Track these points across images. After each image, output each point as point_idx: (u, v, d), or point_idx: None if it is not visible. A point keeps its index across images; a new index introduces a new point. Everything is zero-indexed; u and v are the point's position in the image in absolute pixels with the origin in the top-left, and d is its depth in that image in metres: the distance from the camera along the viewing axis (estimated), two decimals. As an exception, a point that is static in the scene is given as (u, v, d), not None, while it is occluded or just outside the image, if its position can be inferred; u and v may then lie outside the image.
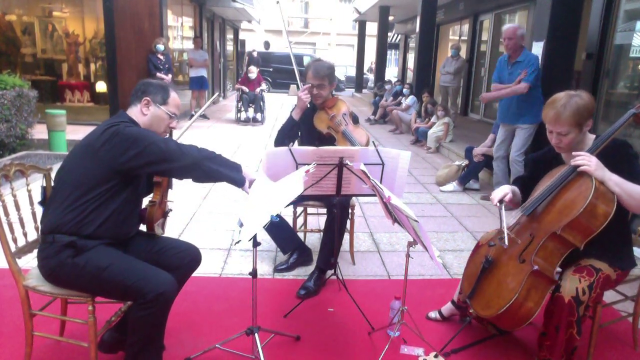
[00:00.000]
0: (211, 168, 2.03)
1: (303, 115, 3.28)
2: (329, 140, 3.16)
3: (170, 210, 2.42)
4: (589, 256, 2.18)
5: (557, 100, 2.15)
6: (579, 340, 2.05)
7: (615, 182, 2.03)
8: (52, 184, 2.08)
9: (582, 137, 2.19)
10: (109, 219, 1.98)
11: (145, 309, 1.87)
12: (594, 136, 2.23)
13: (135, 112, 2.11)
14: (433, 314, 2.73)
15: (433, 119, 8.43)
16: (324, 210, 3.14)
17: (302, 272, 3.26)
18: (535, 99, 4.60)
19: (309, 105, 3.23)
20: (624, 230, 2.22)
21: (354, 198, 3.52)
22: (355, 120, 3.27)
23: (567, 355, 2.09)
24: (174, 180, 2.43)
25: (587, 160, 2.06)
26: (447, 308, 2.70)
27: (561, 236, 2.09)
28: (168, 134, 2.20)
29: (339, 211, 2.86)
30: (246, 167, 2.18)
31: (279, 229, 3.23)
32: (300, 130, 3.26)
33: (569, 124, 2.11)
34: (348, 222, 3.43)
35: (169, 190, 2.38)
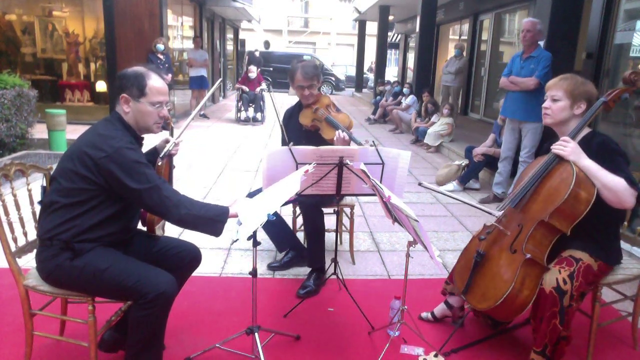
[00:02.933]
0: (189, 225, 1.98)
1: (291, 115, 3.34)
2: (314, 133, 3.17)
3: None
4: (569, 247, 2.22)
5: (562, 75, 2.32)
6: (563, 330, 2.07)
7: (590, 169, 2.09)
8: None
9: (571, 117, 2.25)
10: (107, 224, 1.96)
11: (146, 308, 1.87)
12: (588, 129, 2.28)
13: (120, 111, 2.01)
14: (425, 315, 2.73)
15: (433, 118, 8.42)
16: (324, 210, 3.13)
17: (302, 272, 3.26)
18: (539, 97, 4.55)
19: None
20: (610, 224, 2.25)
21: (354, 198, 3.52)
22: (337, 110, 3.29)
23: (552, 346, 2.10)
24: (174, 181, 2.42)
25: (562, 146, 2.16)
26: (440, 309, 2.69)
27: (549, 223, 2.14)
28: (162, 124, 2.09)
29: (309, 211, 2.89)
30: (233, 206, 2.04)
31: (275, 228, 3.24)
32: (288, 130, 3.27)
33: (563, 89, 2.24)
34: (348, 222, 3.43)
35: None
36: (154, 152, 2.27)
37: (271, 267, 3.28)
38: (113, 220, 1.98)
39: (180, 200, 1.92)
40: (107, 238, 1.98)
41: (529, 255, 2.13)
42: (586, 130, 2.27)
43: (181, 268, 2.17)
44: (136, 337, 1.93)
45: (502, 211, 2.44)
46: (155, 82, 2.00)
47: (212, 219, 1.96)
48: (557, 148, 2.18)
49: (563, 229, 2.15)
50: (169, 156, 2.26)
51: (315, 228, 3.02)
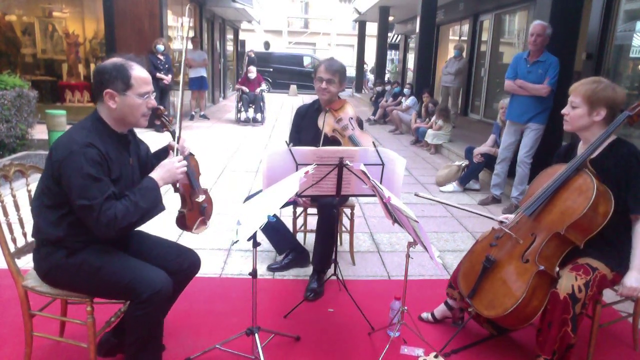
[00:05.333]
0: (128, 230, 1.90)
1: (306, 114, 3.25)
2: (332, 143, 3.11)
3: (205, 205, 2.27)
4: (586, 255, 2.19)
5: (587, 78, 2.24)
6: (573, 337, 2.05)
7: None
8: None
9: (590, 124, 2.19)
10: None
11: (142, 308, 1.86)
12: (613, 136, 2.20)
13: (104, 109, 1.92)
14: (425, 315, 2.72)
15: (434, 118, 8.41)
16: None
17: (302, 273, 3.26)
18: (547, 101, 4.54)
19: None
20: (624, 232, 2.21)
21: (354, 198, 3.52)
22: (360, 124, 3.23)
23: (561, 353, 2.09)
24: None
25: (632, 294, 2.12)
26: (440, 310, 2.69)
27: (564, 236, 2.11)
28: (149, 116, 2.01)
29: (337, 210, 2.85)
30: (156, 171, 1.99)
31: (273, 230, 3.22)
32: (302, 129, 3.24)
33: (581, 96, 2.18)
34: (348, 222, 3.43)
35: (196, 187, 2.26)
36: (165, 150, 2.23)
37: (271, 269, 3.27)
38: None
39: (110, 219, 1.79)
40: (95, 239, 1.93)
41: (542, 267, 2.11)
42: (611, 137, 2.20)
43: (179, 273, 2.15)
44: (134, 337, 1.92)
45: (505, 215, 2.44)
46: (139, 71, 1.90)
47: (149, 211, 1.90)
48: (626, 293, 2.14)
49: (577, 242, 2.13)
50: (186, 156, 2.23)
51: (330, 229, 2.92)
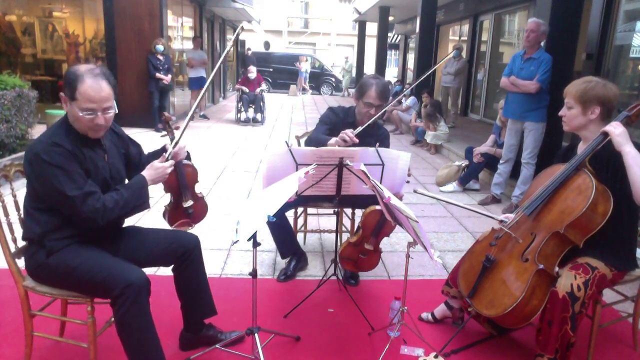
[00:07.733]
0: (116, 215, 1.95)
1: (341, 122, 3.09)
2: None
3: (191, 211, 2.41)
4: (585, 254, 2.19)
5: (578, 79, 2.26)
6: (572, 336, 2.06)
7: (633, 156, 2.00)
8: None
9: (587, 122, 2.21)
10: (74, 223, 1.93)
11: (119, 307, 1.84)
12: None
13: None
14: (425, 315, 2.72)
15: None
16: (324, 211, 3.12)
17: (302, 274, 3.26)
18: (542, 99, 4.54)
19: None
20: (623, 231, 2.21)
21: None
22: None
23: (562, 352, 2.09)
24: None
25: (613, 127, 2.06)
26: (440, 310, 2.69)
27: (564, 235, 2.12)
28: (103, 131, 1.98)
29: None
30: (147, 171, 2.07)
31: (282, 230, 3.17)
32: (333, 133, 3.05)
33: (573, 97, 2.21)
34: (348, 222, 3.43)
35: (184, 193, 2.38)
36: (162, 151, 2.26)
37: (281, 281, 3.19)
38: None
39: (97, 209, 1.86)
40: (79, 237, 1.96)
41: (541, 266, 2.11)
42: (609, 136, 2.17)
43: (175, 262, 2.17)
44: (125, 343, 1.90)
45: (506, 214, 2.45)
46: (88, 87, 1.82)
47: (136, 207, 1.99)
48: (608, 128, 2.08)
49: (576, 241, 2.13)
50: (177, 163, 2.26)
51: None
